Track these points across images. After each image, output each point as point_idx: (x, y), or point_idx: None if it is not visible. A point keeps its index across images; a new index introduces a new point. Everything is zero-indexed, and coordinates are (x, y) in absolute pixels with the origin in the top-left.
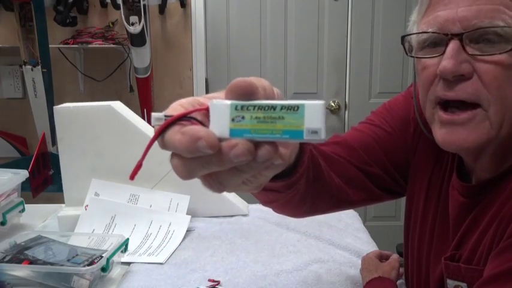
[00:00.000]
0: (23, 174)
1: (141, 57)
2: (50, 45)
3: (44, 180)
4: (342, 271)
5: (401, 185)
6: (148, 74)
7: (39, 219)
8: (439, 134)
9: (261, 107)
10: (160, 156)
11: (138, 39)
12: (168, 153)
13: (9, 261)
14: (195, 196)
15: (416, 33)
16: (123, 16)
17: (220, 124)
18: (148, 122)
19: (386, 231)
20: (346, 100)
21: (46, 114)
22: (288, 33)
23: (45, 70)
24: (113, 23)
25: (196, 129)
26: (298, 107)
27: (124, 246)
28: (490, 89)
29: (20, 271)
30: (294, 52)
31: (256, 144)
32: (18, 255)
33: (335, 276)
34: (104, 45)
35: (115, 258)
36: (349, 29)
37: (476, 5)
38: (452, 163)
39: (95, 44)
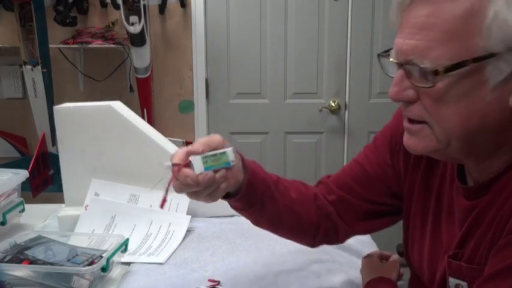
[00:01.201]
0: (23, 174)
1: (141, 57)
2: (50, 45)
3: (44, 180)
4: (342, 271)
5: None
6: (148, 74)
7: (39, 219)
8: (404, 138)
9: (212, 155)
10: (160, 157)
11: (138, 39)
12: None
13: (9, 261)
14: None
15: (382, 55)
16: (123, 16)
17: (198, 166)
18: (149, 122)
19: (386, 232)
20: (346, 100)
21: (46, 114)
22: (288, 33)
23: (45, 70)
24: (113, 23)
25: (187, 172)
26: (225, 152)
27: (124, 246)
28: (431, 113)
29: (20, 271)
30: (294, 52)
31: (215, 172)
32: (18, 255)
33: (335, 276)
34: (104, 45)
35: (115, 258)
36: (349, 29)
37: (415, 40)
38: (452, 166)
39: (95, 44)
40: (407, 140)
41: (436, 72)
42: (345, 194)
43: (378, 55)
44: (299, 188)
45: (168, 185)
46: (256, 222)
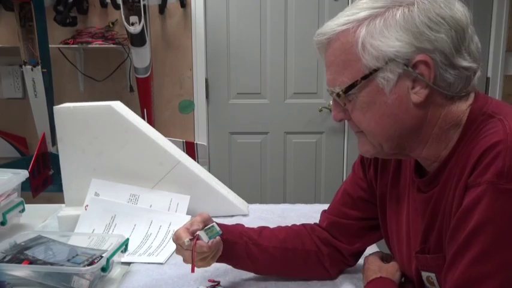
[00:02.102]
0: (23, 174)
1: (141, 57)
2: (50, 45)
3: (44, 180)
4: (342, 271)
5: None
6: (148, 74)
7: (39, 219)
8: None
9: (208, 228)
10: (160, 157)
11: (138, 39)
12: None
13: (9, 261)
14: (195, 196)
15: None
16: (123, 16)
17: (204, 238)
18: (149, 122)
19: None
20: None
21: (46, 114)
22: (288, 33)
23: (45, 70)
24: (113, 23)
25: (201, 243)
26: (213, 225)
27: (124, 246)
28: (358, 124)
29: (20, 271)
30: (294, 52)
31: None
32: (18, 255)
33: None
34: (104, 45)
35: (115, 258)
36: None
37: (328, 75)
38: (410, 164)
39: (95, 44)
40: (359, 148)
41: (339, 95)
42: (335, 218)
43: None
44: (287, 228)
45: (193, 253)
46: (258, 271)
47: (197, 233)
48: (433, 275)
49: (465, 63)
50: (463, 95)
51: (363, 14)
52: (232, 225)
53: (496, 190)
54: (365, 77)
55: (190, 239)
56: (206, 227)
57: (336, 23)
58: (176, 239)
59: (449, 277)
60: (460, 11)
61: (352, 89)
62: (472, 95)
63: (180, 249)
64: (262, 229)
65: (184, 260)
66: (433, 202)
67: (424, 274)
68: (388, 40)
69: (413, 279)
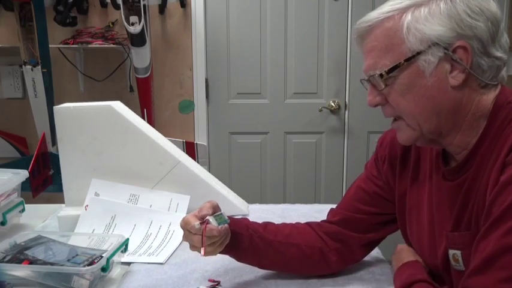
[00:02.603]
0: (23, 174)
1: (141, 57)
2: (50, 45)
3: (44, 180)
4: (343, 270)
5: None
6: (148, 74)
7: (39, 219)
8: (397, 137)
9: (217, 215)
10: (160, 157)
11: (138, 39)
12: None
13: (9, 261)
14: (195, 196)
15: (362, 80)
16: (123, 16)
17: (214, 223)
18: (149, 122)
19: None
20: (346, 100)
21: (46, 114)
22: (288, 33)
23: (45, 70)
24: (113, 23)
25: (211, 227)
26: (222, 213)
27: (124, 246)
28: (396, 108)
29: (20, 271)
30: (294, 52)
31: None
32: (18, 255)
33: (337, 276)
34: (104, 45)
35: (115, 258)
36: (349, 29)
37: (368, 61)
38: (437, 157)
39: (95, 44)
40: (398, 137)
41: (382, 75)
42: (348, 213)
43: (361, 80)
44: (292, 225)
45: (203, 237)
46: (261, 264)
47: (207, 217)
48: (458, 253)
49: (498, 53)
50: (494, 84)
51: (407, 2)
52: (238, 218)
53: None
54: (408, 59)
55: (200, 223)
56: (215, 214)
57: (380, 12)
58: (184, 224)
59: (482, 246)
60: (495, 6)
61: (394, 71)
62: (499, 87)
63: (189, 234)
64: (267, 224)
65: (192, 247)
66: (465, 188)
67: (451, 252)
68: (432, 25)
69: (437, 263)
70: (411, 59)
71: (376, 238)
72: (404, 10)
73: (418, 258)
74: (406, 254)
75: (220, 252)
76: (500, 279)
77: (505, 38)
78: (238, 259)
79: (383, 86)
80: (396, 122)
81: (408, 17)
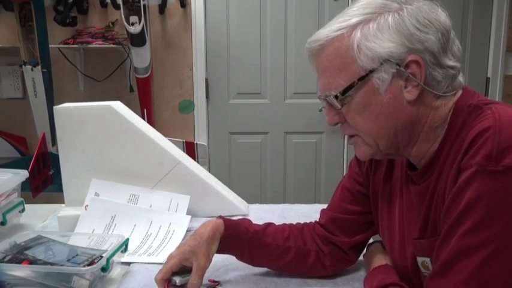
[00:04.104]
0: (23, 174)
1: (141, 57)
2: (50, 45)
3: (44, 180)
4: (343, 270)
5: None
6: (148, 74)
7: (39, 219)
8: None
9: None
10: (160, 157)
11: (138, 39)
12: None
13: (9, 261)
14: (195, 196)
15: (319, 98)
16: (123, 16)
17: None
18: (149, 122)
19: None
20: None
21: (46, 114)
22: (288, 33)
23: (45, 70)
24: (113, 23)
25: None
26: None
27: (124, 246)
28: (354, 126)
29: (20, 271)
30: (294, 52)
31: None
32: (18, 255)
33: (336, 276)
34: (104, 45)
35: (115, 258)
36: None
37: (322, 80)
38: (402, 161)
39: (95, 44)
40: (356, 153)
41: (336, 96)
42: (335, 213)
43: (318, 98)
44: (291, 226)
45: None
46: (257, 265)
47: (173, 278)
48: (427, 260)
49: (451, 63)
50: (451, 94)
51: (355, 19)
52: (238, 219)
53: (486, 172)
54: (361, 78)
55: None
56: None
57: (328, 30)
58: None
59: (442, 251)
60: (443, 15)
61: (349, 91)
62: (459, 93)
63: None
64: (268, 226)
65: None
66: (430, 191)
67: (420, 259)
68: (382, 42)
69: (408, 266)
70: (365, 77)
71: (364, 240)
72: (353, 28)
73: (389, 262)
74: (377, 258)
75: (220, 253)
76: (456, 282)
77: (456, 45)
78: (238, 259)
79: (339, 106)
80: (353, 138)
81: (358, 35)
